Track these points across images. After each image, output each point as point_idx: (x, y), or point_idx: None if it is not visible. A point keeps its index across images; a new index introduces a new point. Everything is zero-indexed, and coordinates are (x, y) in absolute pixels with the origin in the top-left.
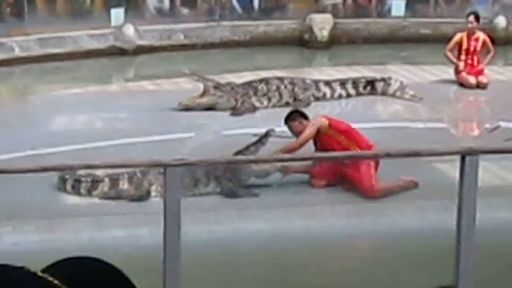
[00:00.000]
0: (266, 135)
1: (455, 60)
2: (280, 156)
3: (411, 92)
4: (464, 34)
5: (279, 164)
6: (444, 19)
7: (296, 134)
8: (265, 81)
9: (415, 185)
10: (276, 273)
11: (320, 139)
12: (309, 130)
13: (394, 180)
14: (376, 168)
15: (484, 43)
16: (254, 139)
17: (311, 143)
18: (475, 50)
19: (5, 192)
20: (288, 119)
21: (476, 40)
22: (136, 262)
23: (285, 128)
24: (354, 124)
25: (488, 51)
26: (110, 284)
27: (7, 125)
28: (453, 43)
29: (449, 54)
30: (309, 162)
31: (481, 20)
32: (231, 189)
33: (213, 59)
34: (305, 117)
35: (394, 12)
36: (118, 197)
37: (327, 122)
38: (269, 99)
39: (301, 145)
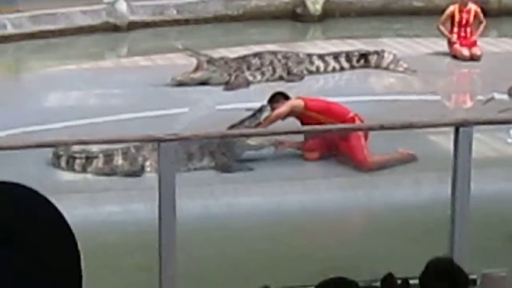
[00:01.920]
0: (261, 110)
1: (446, 33)
2: (274, 130)
3: (405, 65)
4: (456, 7)
5: (273, 138)
6: None
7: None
8: (259, 55)
9: (413, 158)
10: (271, 247)
11: (302, 119)
12: (281, 110)
13: (391, 153)
14: (366, 138)
15: (476, 14)
16: (249, 113)
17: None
18: (467, 22)
19: None
20: (271, 100)
21: (468, 12)
22: (132, 238)
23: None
24: (346, 98)
25: (480, 23)
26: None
27: (0, 102)
28: (445, 16)
29: (441, 27)
30: (301, 138)
31: None
32: (225, 164)
33: (206, 34)
34: (287, 98)
35: None
36: (112, 173)
37: (302, 103)
38: (263, 73)
39: (270, 122)
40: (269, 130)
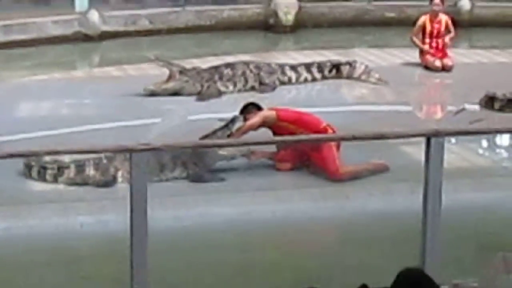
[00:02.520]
0: (233, 120)
1: (420, 44)
2: (246, 140)
3: (377, 76)
4: (427, 17)
5: (244, 149)
6: (409, 2)
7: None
8: (231, 65)
9: (385, 168)
10: (243, 257)
11: (274, 130)
12: (254, 120)
13: (362, 163)
14: (337, 149)
15: (446, 25)
16: (221, 124)
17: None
18: (438, 32)
19: None
20: (243, 111)
21: (439, 22)
22: (103, 248)
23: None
24: (318, 109)
25: (449, 32)
26: None
27: None
28: (417, 28)
29: (415, 39)
30: (274, 148)
31: (445, 3)
32: (197, 174)
33: (178, 44)
34: (259, 109)
35: None
36: (84, 183)
37: (274, 113)
38: (235, 84)
39: (243, 133)
40: (241, 141)
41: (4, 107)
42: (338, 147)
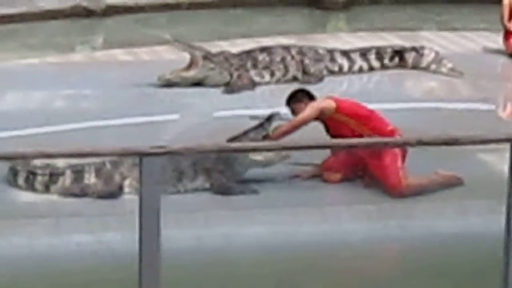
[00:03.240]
0: (270, 119)
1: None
2: (285, 143)
3: (449, 65)
4: None
5: (284, 153)
6: None
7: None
8: (267, 50)
9: (458, 181)
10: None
11: (329, 124)
12: (307, 112)
13: (429, 174)
14: (403, 159)
15: None
16: (254, 123)
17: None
18: None
19: None
20: (290, 100)
21: None
22: (106, 275)
23: None
24: (376, 105)
25: None
26: None
27: None
28: (504, 7)
29: (506, 21)
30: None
31: None
32: (224, 185)
33: (203, 23)
34: (312, 97)
35: None
36: (82, 193)
37: (334, 104)
38: (272, 73)
39: (295, 127)
40: (279, 144)
41: None
42: (404, 157)
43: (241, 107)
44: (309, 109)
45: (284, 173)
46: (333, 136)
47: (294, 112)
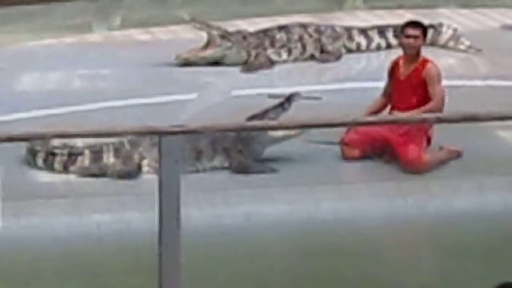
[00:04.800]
0: (289, 99)
1: None
2: (302, 121)
3: (467, 42)
4: None
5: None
6: None
7: (410, 50)
8: (285, 28)
9: (458, 155)
10: (299, 267)
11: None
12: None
13: (437, 151)
14: (428, 142)
15: None
16: (273, 102)
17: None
18: None
19: None
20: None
21: None
22: (125, 255)
23: (314, 87)
24: None
25: None
26: None
27: None
28: None
29: None
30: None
31: None
32: (242, 163)
33: (220, 1)
34: (425, 31)
35: None
36: (101, 173)
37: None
38: (290, 51)
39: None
40: (298, 122)
41: (3, 79)
42: (429, 140)
43: (259, 86)
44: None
45: (301, 152)
46: (397, 101)
47: (402, 42)
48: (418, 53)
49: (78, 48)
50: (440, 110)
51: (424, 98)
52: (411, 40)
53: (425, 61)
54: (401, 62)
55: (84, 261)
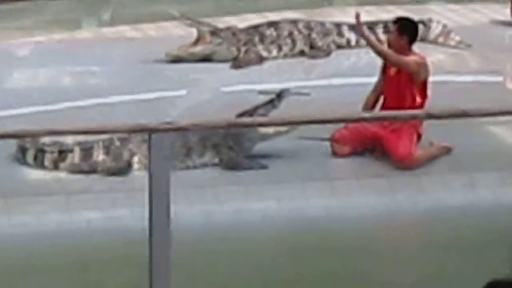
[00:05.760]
0: (280, 96)
1: None
2: (293, 118)
3: (457, 38)
4: None
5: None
6: None
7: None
8: (275, 25)
9: (448, 151)
10: (290, 265)
11: (385, 68)
12: (409, 60)
13: (427, 146)
14: (418, 138)
15: None
16: (264, 99)
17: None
18: None
19: None
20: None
21: None
22: (115, 251)
23: (303, 83)
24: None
25: None
26: None
27: None
28: None
29: None
30: None
31: None
32: (233, 160)
33: None
34: (414, 36)
35: None
36: (91, 170)
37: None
38: (280, 47)
39: (385, 54)
40: (290, 119)
41: None
42: (419, 136)
43: (249, 82)
44: (412, 59)
45: (291, 148)
46: (389, 97)
47: (389, 38)
48: (403, 50)
49: (68, 45)
50: (396, 64)
51: (414, 94)
52: (389, 36)
53: (415, 56)
54: None
55: (74, 258)
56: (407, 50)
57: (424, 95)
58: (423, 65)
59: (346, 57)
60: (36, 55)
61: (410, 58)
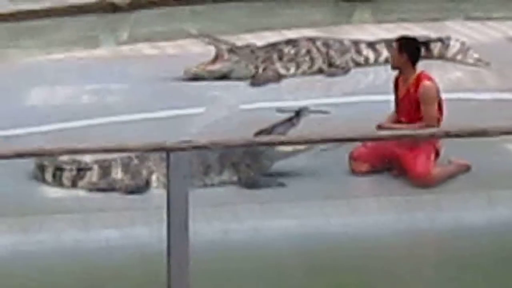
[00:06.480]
0: (299, 114)
1: None
2: (312, 136)
3: (476, 55)
4: None
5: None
6: None
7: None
8: (293, 42)
9: (467, 169)
10: (309, 282)
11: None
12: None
13: (445, 164)
14: (436, 156)
15: None
16: (282, 117)
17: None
18: None
19: None
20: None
21: None
22: (133, 270)
23: (321, 101)
24: None
25: None
26: None
27: None
28: None
29: None
30: None
31: None
32: (251, 178)
33: (228, 16)
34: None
35: None
36: (110, 188)
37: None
38: (298, 65)
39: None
40: (307, 137)
41: (11, 94)
42: (437, 154)
43: (267, 100)
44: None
45: (310, 166)
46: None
47: (393, 56)
48: (405, 68)
49: (86, 62)
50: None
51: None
52: (391, 53)
53: (420, 78)
54: (401, 78)
55: (92, 276)
56: (410, 68)
57: (439, 113)
58: (433, 91)
59: (365, 75)
60: (55, 72)
61: (430, 109)
